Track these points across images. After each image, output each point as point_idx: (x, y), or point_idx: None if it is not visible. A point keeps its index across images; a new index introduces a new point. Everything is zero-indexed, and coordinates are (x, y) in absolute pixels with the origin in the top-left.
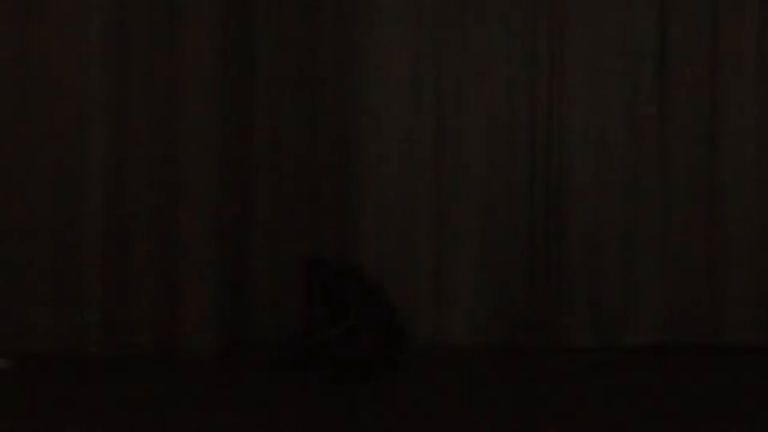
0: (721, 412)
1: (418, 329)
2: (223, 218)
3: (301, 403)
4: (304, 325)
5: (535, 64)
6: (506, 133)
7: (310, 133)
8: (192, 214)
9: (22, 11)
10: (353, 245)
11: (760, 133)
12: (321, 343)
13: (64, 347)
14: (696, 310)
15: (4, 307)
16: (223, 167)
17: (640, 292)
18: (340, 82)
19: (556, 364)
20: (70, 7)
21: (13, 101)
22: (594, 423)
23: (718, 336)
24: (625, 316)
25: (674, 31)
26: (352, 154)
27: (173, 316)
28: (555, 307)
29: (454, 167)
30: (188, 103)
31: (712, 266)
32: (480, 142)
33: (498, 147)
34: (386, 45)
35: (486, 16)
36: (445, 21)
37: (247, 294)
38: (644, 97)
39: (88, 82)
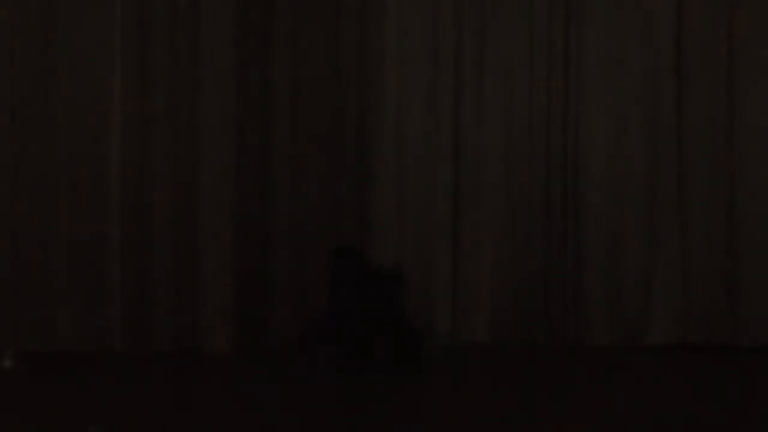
0: (738, 411)
1: (437, 328)
2: (243, 216)
3: (317, 401)
4: (326, 317)
5: (552, 64)
6: (524, 133)
7: (330, 129)
8: (211, 212)
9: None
10: (371, 243)
11: None
12: (340, 339)
13: (85, 345)
14: (714, 309)
15: (26, 307)
16: (243, 163)
17: (659, 292)
18: (360, 80)
19: (576, 362)
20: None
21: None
22: (613, 421)
23: (735, 335)
24: (644, 316)
25: (692, 34)
26: (370, 153)
27: (194, 314)
28: (575, 306)
29: (472, 166)
30: (208, 100)
31: (730, 266)
32: (498, 141)
33: (516, 146)
34: (404, 45)
35: (504, 18)
36: (463, 22)
37: (267, 292)
38: (662, 98)
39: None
